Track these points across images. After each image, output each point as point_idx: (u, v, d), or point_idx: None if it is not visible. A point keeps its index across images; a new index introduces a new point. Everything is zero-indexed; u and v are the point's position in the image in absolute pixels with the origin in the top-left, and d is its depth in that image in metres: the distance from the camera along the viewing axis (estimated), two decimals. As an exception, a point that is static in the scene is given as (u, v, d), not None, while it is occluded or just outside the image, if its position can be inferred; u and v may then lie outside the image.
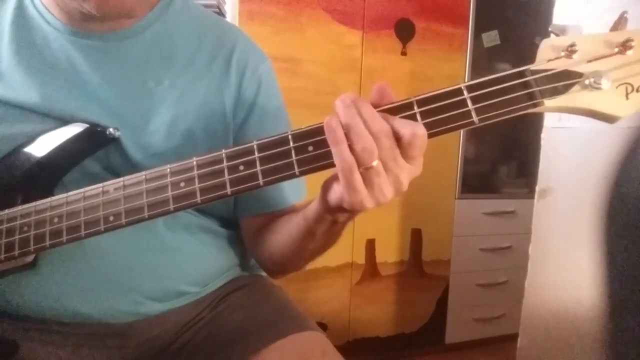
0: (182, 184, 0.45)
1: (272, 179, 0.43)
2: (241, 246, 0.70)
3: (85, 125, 0.54)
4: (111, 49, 0.58)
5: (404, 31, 1.62)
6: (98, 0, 0.52)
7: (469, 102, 0.40)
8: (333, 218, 0.48)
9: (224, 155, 0.44)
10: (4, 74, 0.56)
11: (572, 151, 1.08)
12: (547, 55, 0.41)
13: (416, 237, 1.75)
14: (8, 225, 0.51)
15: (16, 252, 0.50)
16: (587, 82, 0.39)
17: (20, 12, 0.58)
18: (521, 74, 0.40)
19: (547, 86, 0.40)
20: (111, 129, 0.54)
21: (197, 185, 0.45)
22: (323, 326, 1.63)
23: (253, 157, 0.44)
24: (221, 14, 1.46)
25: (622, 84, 0.39)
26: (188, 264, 0.62)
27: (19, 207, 0.51)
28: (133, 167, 0.56)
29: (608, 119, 0.40)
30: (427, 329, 1.82)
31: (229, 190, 0.44)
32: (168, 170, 0.46)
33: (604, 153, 0.89)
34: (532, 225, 1.16)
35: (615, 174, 0.83)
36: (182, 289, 0.61)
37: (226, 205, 0.65)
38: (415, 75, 1.65)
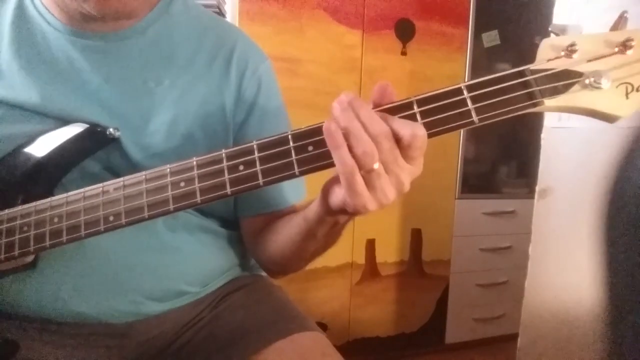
0: (182, 184, 0.45)
1: (272, 179, 0.43)
2: (241, 246, 0.70)
3: (85, 126, 0.54)
4: (111, 49, 0.58)
5: (404, 31, 1.62)
6: (98, 1, 0.52)
7: (468, 102, 0.40)
8: (334, 220, 0.47)
9: (223, 155, 0.44)
10: (4, 74, 0.56)
11: (572, 151, 1.08)
12: (547, 55, 0.41)
13: (416, 237, 1.75)
14: (8, 225, 0.51)
15: (16, 252, 0.50)
16: (587, 81, 0.39)
17: (21, 12, 0.58)
18: (521, 74, 0.40)
19: (547, 86, 0.40)
20: (111, 129, 0.54)
21: (197, 185, 0.45)
22: (323, 326, 1.63)
23: (253, 157, 0.43)
24: (221, 14, 1.46)
25: (622, 84, 0.39)
26: (188, 264, 0.61)
27: (19, 207, 0.51)
28: (133, 167, 0.56)
29: (608, 118, 0.40)
30: (427, 329, 1.82)
31: (228, 190, 0.44)
32: (168, 170, 0.46)
33: (604, 153, 0.89)
34: (532, 225, 1.16)
35: (615, 174, 0.83)
36: (182, 289, 0.61)
37: (226, 205, 0.65)
38: (415, 75, 1.65)
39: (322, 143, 0.41)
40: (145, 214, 0.46)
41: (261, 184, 0.43)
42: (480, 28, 1.76)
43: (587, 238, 0.92)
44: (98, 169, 0.56)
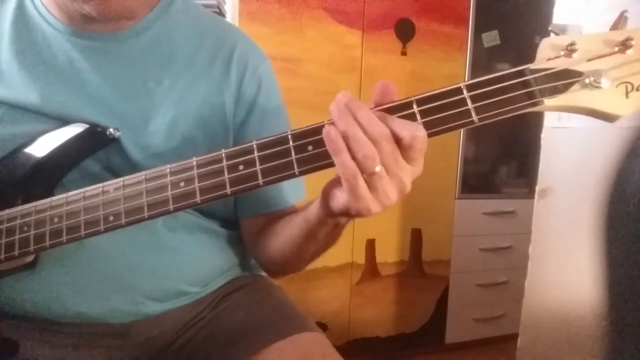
0: (182, 184, 0.45)
1: (271, 179, 0.43)
2: (241, 246, 0.70)
3: (86, 126, 0.54)
4: (111, 50, 0.58)
5: (404, 31, 1.62)
6: (99, 3, 0.52)
7: (468, 101, 0.40)
8: (335, 221, 0.47)
9: (223, 154, 0.44)
10: (4, 74, 0.56)
11: (572, 151, 1.08)
12: (547, 55, 0.41)
13: (416, 237, 1.75)
14: (8, 225, 0.51)
15: (16, 252, 0.50)
16: (587, 81, 0.39)
17: (21, 12, 0.58)
18: (521, 73, 0.40)
19: (547, 85, 0.40)
20: (111, 129, 0.54)
21: (196, 185, 0.45)
22: (323, 326, 1.63)
23: (252, 156, 0.43)
24: (221, 14, 1.46)
25: (622, 83, 0.39)
26: (188, 264, 0.61)
27: (19, 207, 0.51)
28: (133, 167, 0.56)
29: (608, 117, 0.40)
30: (427, 329, 1.82)
31: (228, 190, 0.44)
32: (168, 170, 0.46)
33: (604, 153, 0.89)
34: (532, 225, 1.16)
35: (615, 174, 0.83)
36: (182, 288, 0.61)
37: (226, 205, 0.65)
38: (415, 75, 1.65)
39: (321, 143, 0.41)
40: (145, 214, 0.46)
41: (261, 183, 0.43)
42: (480, 28, 1.76)
43: (587, 238, 0.92)
44: (98, 169, 0.56)
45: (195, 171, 0.45)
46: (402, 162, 0.40)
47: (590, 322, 0.98)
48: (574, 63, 0.40)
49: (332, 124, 0.40)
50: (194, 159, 0.45)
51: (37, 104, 0.55)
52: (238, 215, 0.67)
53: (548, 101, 0.40)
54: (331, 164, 0.41)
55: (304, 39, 1.49)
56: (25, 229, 0.50)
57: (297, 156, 0.42)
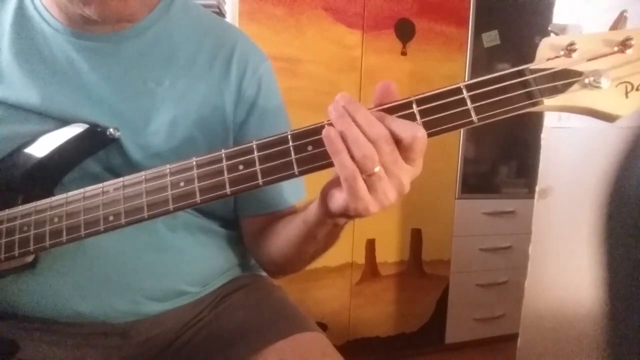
0: (182, 184, 0.45)
1: (271, 179, 0.43)
2: (241, 246, 0.70)
3: (86, 126, 0.54)
4: (111, 50, 0.58)
5: (404, 31, 1.62)
6: (99, 6, 0.52)
7: (468, 101, 0.40)
8: (334, 222, 0.48)
9: (223, 155, 0.44)
10: (4, 74, 0.56)
11: (572, 151, 1.08)
12: (547, 55, 0.41)
13: (416, 237, 1.75)
14: (8, 225, 0.51)
15: (16, 252, 0.50)
16: (586, 81, 0.39)
17: (21, 13, 0.58)
18: (520, 73, 0.40)
19: (547, 85, 0.40)
20: (111, 130, 0.54)
21: (196, 185, 0.45)
22: (323, 326, 1.63)
23: (252, 156, 0.43)
24: (221, 14, 1.46)
25: (621, 83, 0.39)
26: (188, 264, 0.62)
27: (19, 207, 0.51)
28: (133, 167, 0.56)
29: (608, 117, 0.40)
30: (427, 329, 1.82)
31: (228, 190, 0.44)
32: (168, 170, 0.46)
33: (604, 153, 0.89)
34: (532, 225, 1.16)
35: (615, 174, 0.83)
36: (182, 288, 0.61)
37: (226, 206, 0.65)
38: (415, 75, 1.65)
39: (321, 143, 0.41)
40: (145, 214, 0.46)
41: (260, 183, 0.43)
42: (480, 28, 1.76)
43: (587, 238, 0.92)
44: (98, 169, 0.56)
45: (195, 171, 0.45)
46: (402, 163, 0.40)
47: (590, 322, 0.98)
48: (574, 63, 0.40)
49: (332, 124, 0.40)
50: (194, 159, 0.46)
51: (37, 104, 0.55)
52: (238, 215, 0.67)
53: (548, 101, 0.40)
54: (331, 164, 0.41)
55: (304, 39, 1.49)
56: (25, 229, 0.50)
57: (297, 156, 0.42)
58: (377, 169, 0.39)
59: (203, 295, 0.65)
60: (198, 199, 0.45)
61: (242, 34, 0.67)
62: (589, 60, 0.40)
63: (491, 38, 1.80)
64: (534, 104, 0.40)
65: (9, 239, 0.51)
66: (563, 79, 0.40)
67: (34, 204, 0.51)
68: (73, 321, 0.57)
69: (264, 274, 0.75)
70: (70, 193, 0.49)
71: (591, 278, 0.92)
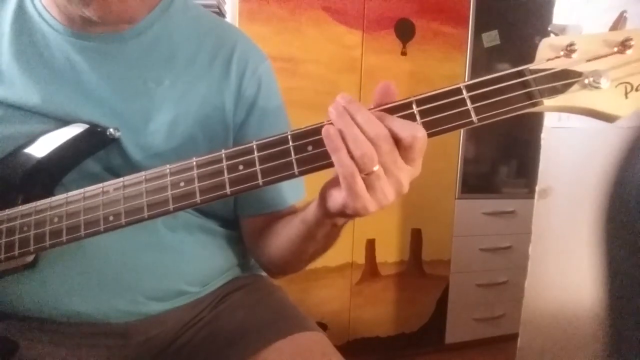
0: (182, 184, 0.45)
1: (271, 179, 0.43)
2: (241, 246, 0.70)
3: (86, 126, 0.54)
4: (111, 50, 0.58)
5: (404, 31, 1.62)
6: (99, 8, 0.52)
7: (468, 102, 0.40)
8: (332, 222, 0.48)
9: (223, 155, 0.44)
10: (4, 74, 0.56)
11: (572, 151, 1.08)
12: (546, 55, 0.41)
13: (416, 237, 1.75)
14: (8, 225, 0.51)
15: (16, 252, 0.50)
16: (586, 81, 0.39)
17: (21, 13, 0.58)
18: (520, 74, 0.40)
19: (546, 85, 0.40)
20: (111, 130, 0.54)
21: (196, 185, 0.45)
22: (323, 326, 1.63)
23: (252, 156, 0.44)
24: (221, 14, 1.46)
25: (621, 83, 0.39)
26: (188, 263, 0.62)
27: (19, 207, 0.51)
28: (133, 167, 0.56)
29: (607, 118, 0.40)
30: (427, 329, 1.82)
31: (228, 190, 0.44)
32: (168, 170, 0.46)
33: (604, 153, 0.89)
34: (532, 225, 1.16)
35: (615, 174, 0.83)
36: (182, 288, 0.62)
37: (226, 206, 0.65)
38: (415, 75, 1.65)
39: (321, 143, 0.41)
40: (145, 214, 0.46)
41: (261, 184, 0.43)
42: (480, 28, 1.76)
43: (587, 238, 0.92)
44: (98, 169, 0.56)
45: (195, 171, 0.45)
46: (401, 163, 0.40)
47: (591, 322, 0.98)
48: (574, 63, 0.40)
49: (332, 124, 0.40)
50: (194, 159, 0.46)
51: (37, 105, 0.55)
52: (238, 215, 0.67)
53: (547, 101, 0.40)
54: (331, 164, 0.41)
55: (303, 39, 1.49)
56: (25, 229, 0.50)
57: (297, 156, 0.43)
58: (376, 168, 0.39)
59: (203, 295, 0.65)
60: (198, 199, 0.45)
61: (242, 34, 0.67)
62: (589, 60, 0.40)
63: (491, 38, 1.80)
64: (534, 105, 0.40)
65: (9, 239, 0.51)
66: (563, 80, 0.40)
67: (34, 204, 0.51)
68: (73, 321, 0.57)
69: (264, 274, 0.75)
70: (70, 193, 0.49)
71: (591, 278, 0.92)
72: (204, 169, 0.45)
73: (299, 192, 0.66)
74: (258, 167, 0.43)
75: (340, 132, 0.39)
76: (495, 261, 1.87)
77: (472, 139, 1.84)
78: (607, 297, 0.83)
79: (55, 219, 0.49)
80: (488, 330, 1.91)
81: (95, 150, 0.55)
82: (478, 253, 1.84)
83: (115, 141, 0.55)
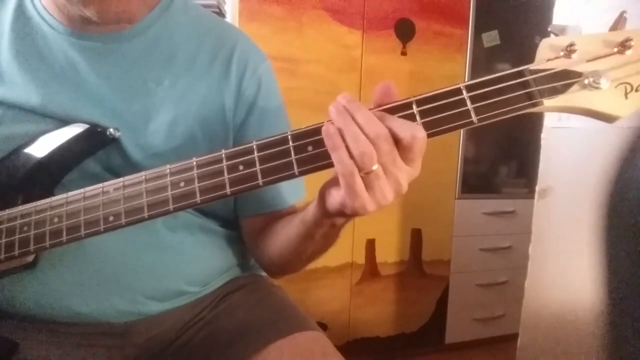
0: (182, 184, 0.45)
1: (271, 179, 0.43)
2: (241, 246, 0.70)
3: (86, 126, 0.54)
4: (111, 50, 0.58)
5: (404, 31, 1.62)
6: (99, 8, 0.52)
7: (468, 102, 0.40)
8: (331, 222, 0.48)
9: (223, 155, 0.44)
10: (4, 74, 0.56)
11: (572, 151, 1.08)
12: (546, 55, 0.41)
13: (416, 237, 1.75)
14: (8, 225, 0.51)
15: (16, 252, 0.50)
16: (586, 81, 0.39)
17: (21, 13, 0.58)
18: (520, 74, 0.40)
19: (546, 86, 0.40)
20: (111, 130, 0.54)
21: (196, 185, 0.45)
22: (323, 326, 1.63)
23: (252, 156, 0.44)
24: (221, 14, 1.46)
25: (621, 84, 0.39)
26: (188, 263, 0.62)
27: (19, 207, 0.51)
28: (133, 167, 0.56)
29: (607, 118, 0.40)
30: (427, 329, 1.82)
31: (228, 190, 0.44)
32: (168, 170, 0.46)
33: (604, 153, 0.89)
34: (532, 225, 1.16)
35: (615, 173, 0.83)
36: (182, 288, 0.62)
37: (226, 206, 0.65)
38: (415, 75, 1.65)
39: (321, 143, 0.41)
40: (145, 214, 0.46)
41: (261, 184, 0.43)
42: (480, 28, 1.76)
43: (587, 238, 0.92)
44: (98, 169, 0.56)
45: (195, 171, 0.45)
46: (400, 163, 0.40)
47: (591, 322, 0.98)
48: (574, 64, 0.40)
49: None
50: (194, 159, 0.46)
51: (37, 104, 0.55)
52: (238, 215, 0.67)
53: (547, 102, 0.40)
54: (331, 164, 0.41)
55: (304, 38, 1.49)
56: (25, 229, 0.50)
57: (297, 156, 0.43)
58: (375, 167, 0.39)
59: (203, 295, 0.65)
60: (198, 199, 0.45)
61: (242, 34, 0.67)
62: (589, 61, 0.40)
63: (491, 38, 1.80)
64: (534, 105, 0.40)
65: (9, 239, 0.51)
66: (563, 80, 0.40)
67: (34, 204, 0.51)
68: (73, 321, 0.57)
69: (264, 274, 0.75)
70: (70, 193, 0.49)
71: (591, 278, 0.92)
72: (204, 169, 0.45)
73: (298, 192, 0.66)
74: (258, 167, 0.43)
75: (340, 131, 0.39)
76: (495, 261, 1.87)
77: (472, 139, 1.84)
78: (607, 297, 0.83)
79: (55, 219, 0.49)
80: (488, 330, 1.91)
81: (95, 150, 0.55)
82: (478, 253, 1.84)
83: (115, 141, 0.55)
